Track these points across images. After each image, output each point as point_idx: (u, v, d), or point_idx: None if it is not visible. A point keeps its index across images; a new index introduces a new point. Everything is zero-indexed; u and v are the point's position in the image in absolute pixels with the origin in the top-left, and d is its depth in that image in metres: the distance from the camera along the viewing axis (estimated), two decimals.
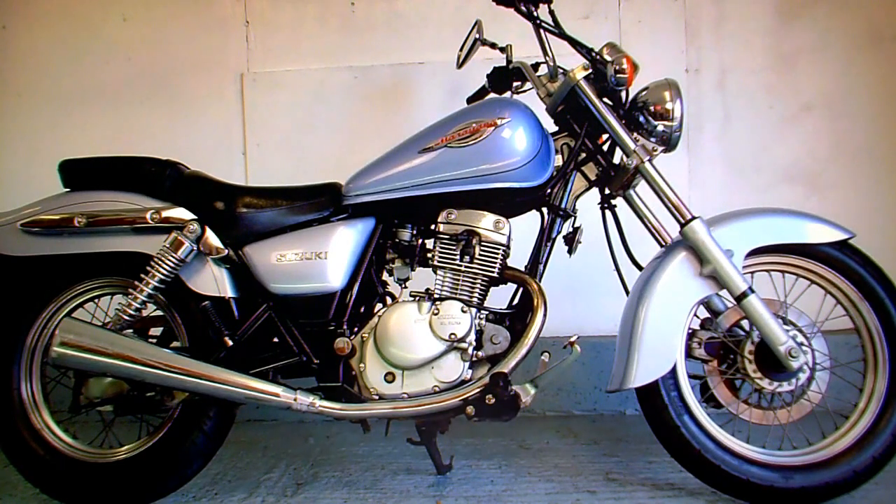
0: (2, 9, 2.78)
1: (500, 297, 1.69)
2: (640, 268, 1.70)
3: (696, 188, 2.59)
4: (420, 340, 1.58)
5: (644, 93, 1.63)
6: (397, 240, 1.68)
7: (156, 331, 1.76)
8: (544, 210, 1.71)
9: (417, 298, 1.64)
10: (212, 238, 1.64)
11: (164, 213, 1.63)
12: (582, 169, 1.71)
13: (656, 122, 1.60)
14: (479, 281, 1.62)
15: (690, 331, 1.60)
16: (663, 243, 1.69)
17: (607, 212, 1.76)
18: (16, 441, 1.68)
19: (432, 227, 1.66)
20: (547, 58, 1.72)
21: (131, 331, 1.66)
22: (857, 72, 2.60)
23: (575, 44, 1.65)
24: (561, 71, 1.69)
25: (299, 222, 1.67)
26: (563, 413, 2.51)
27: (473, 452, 2.06)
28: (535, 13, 1.67)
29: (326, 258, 1.63)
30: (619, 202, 1.75)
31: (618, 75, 1.56)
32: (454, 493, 1.71)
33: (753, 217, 1.60)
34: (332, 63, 2.69)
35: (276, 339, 1.68)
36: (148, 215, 1.62)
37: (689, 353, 1.60)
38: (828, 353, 1.59)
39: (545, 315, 1.57)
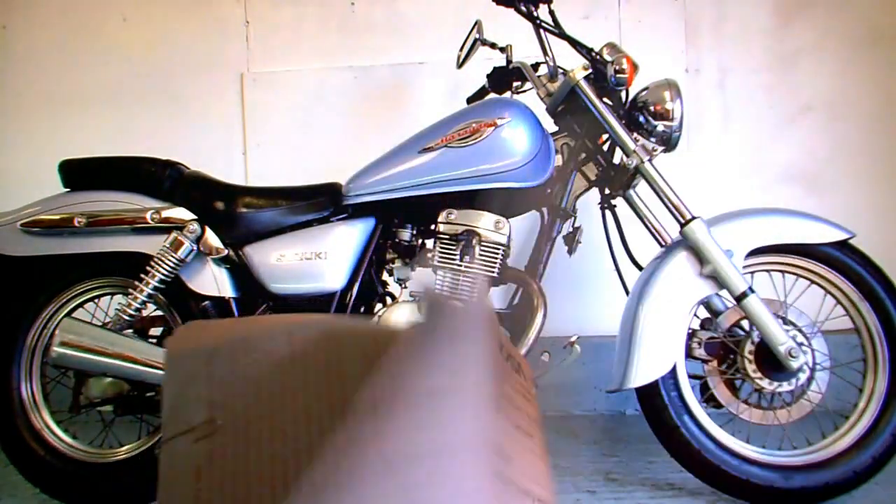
0: (2, 9, 2.78)
1: (500, 297, 1.69)
2: (640, 268, 1.70)
3: (696, 188, 2.58)
4: None
5: (644, 93, 1.63)
6: (397, 240, 1.68)
7: (156, 331, 1.76)
8: (544, 210, 1.71)
9: (417, 298, 1.63)
10: (212, 238, 1.64)
11: (164, 213, 1.63)
12: (582, 169, 1.70)
13: (656, 122, 1.60)
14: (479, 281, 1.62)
15: (690, 331, 1.60)
16: (663, 243, 1.69)
17: (607, 212, 1.76)
18: (16, 441, 1.68)
19: (432, 227, 1.66)
20: (547, 58, 1.72)
21: (131, 331, 1.66)
22: (857, 72, 2.60)
23: (575, 44, 1.65)
24: (561, 71, 1.69)
25: (299, 222, 1.67)
26: (563, 413, 2.51)
27: None
28: (535, 13, 1.67)
29: (326, 258, 1.63)
30: (619, 202, 1.75)
31: (618, 75, 1.56)
32: None
33: (753, 217, 1.60)
34: (332, 63, 2.68)
35: None
36: (148, 215, 1.62)
37: (689, 353, 1.60)
38: (828, 353, 1.59)
39: (545, 315, 1.57)
